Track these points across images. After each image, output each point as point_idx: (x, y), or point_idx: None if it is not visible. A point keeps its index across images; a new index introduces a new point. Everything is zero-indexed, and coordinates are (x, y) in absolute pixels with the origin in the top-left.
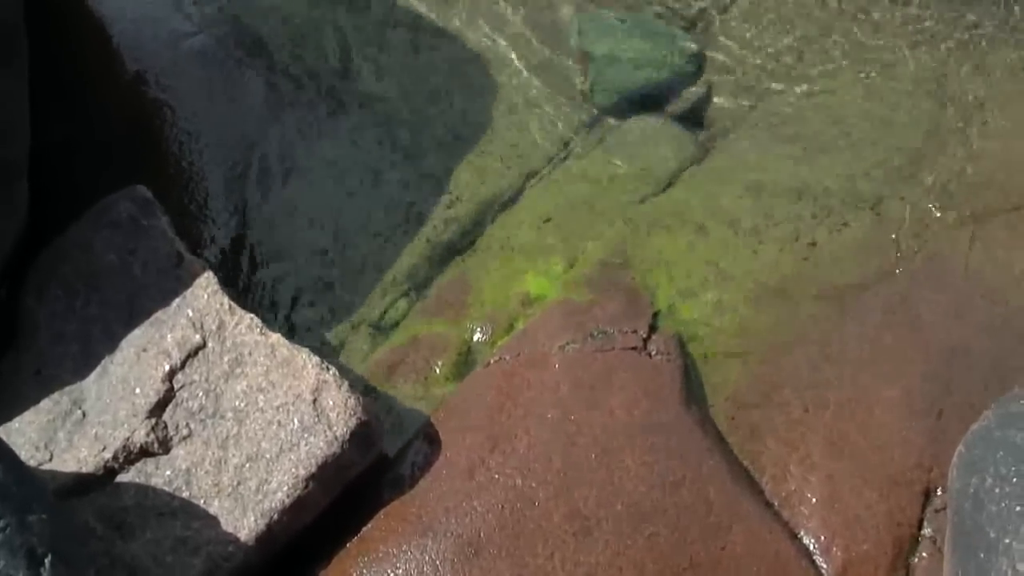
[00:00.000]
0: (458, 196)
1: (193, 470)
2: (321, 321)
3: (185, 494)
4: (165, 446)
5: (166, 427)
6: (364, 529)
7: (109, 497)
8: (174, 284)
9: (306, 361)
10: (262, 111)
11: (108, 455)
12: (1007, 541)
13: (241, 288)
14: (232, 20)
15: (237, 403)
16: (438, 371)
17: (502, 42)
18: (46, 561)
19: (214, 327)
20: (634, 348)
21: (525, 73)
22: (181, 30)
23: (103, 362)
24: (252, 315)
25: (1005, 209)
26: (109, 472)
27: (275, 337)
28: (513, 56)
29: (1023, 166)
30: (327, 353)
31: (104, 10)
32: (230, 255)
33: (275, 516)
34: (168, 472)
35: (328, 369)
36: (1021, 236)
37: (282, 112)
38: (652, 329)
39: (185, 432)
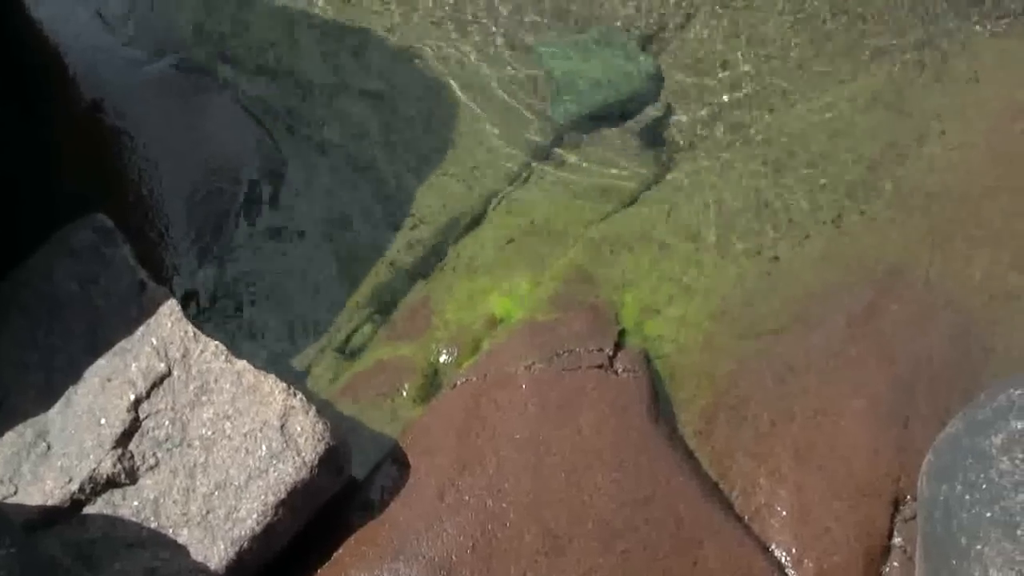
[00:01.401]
0: (421, 218)
1: (161, 500)
2: (287, 347)
3: (153, 524)
4: (132, 476)
5: (132, 457)
6: (335, 554)
7: (76, 529)
8: (137, 313)
9: (273, 387)
10: (223, 137)
11: (74, 487)
12: (979, 547)
13: (205, 315)
14: (191, 46)
15: (204, 431)
16: (405, 394)
17: (464, 62)
18: None
19: (179, 355)
20: (600, 366)
21: (487, 93)
22: (138, 57)
23: (67, 393)
24: (217, 342)
25: (963, 219)
26: (75, 504)
27: (241, 364)
28: (475, 76)
29: (980, 176)
30: (294, 379)
31: (59, 38)
32: (193, 282)
33: (245, 544)
34: (135, 502)
35: (295, 395)
36: (980, 245)
37: (243, 137)
38: (618, 347)
39: (152, 462)
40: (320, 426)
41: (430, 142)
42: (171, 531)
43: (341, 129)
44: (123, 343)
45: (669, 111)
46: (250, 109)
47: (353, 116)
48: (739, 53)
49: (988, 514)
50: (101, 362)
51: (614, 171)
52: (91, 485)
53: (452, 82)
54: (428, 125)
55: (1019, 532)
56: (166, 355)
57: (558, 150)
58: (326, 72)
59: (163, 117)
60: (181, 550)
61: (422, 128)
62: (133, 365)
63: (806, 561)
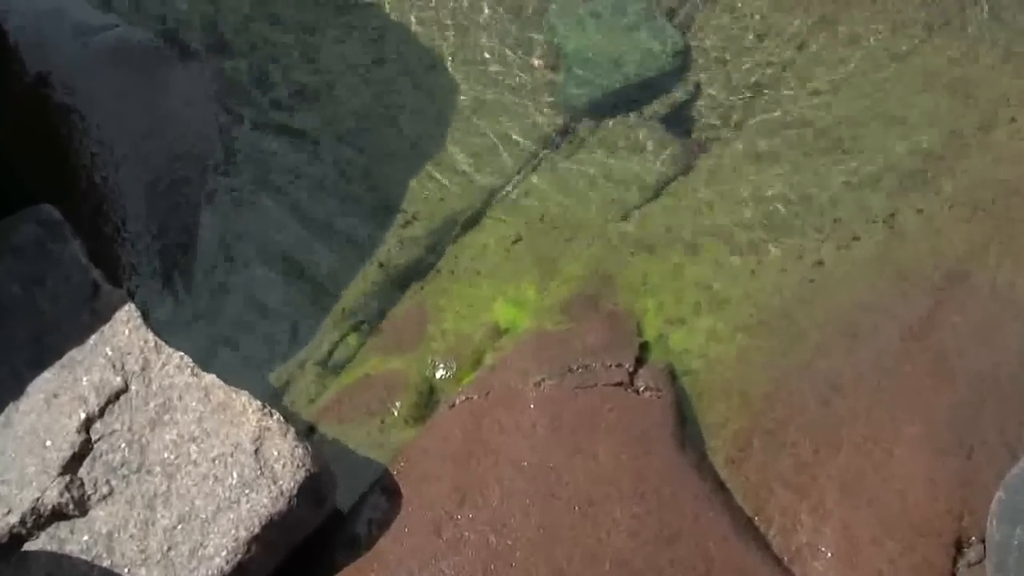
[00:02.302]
0: (414, 214)
1: (115, 534)
2: (262, 359)
3: (106, 562)
4: (82, 507)
5: (83, 485)
6: None
7: (16, 569)
8: (89, 319)
9: (246, 405)
10: (188, 116)
11: (14, 519)
12: None
13: (167, 322)
14: (153, 12)
15: (166, 455)
16: (396, 413)
17: (464, 35)
18: None
19: (137, 368)
20: (619, 384)
21: (489, 72)
22: (91, 23)
23: (7, 410)
24: (181, 353)
25: None
26: (16, 539)
27: (209, 378)
28: (476, 51)
29: None
30: (270, 396)
31: None
32: (154, 284)
33: None
34: (86, 537)
35: (271, 414)
36: None
37: (213, 118)
38: (639, 362)
39: (105, 490)
40: (299, 450)
41: (425, 127)
42: (127, 570)
43: (325, 111)
44: (73, 354)
45: (698, 93)
46: (224, 85)
47: (339, 97)
48: (779, 27)
49: None
50: (47, 375)
51: (635, 161)
52: (34, 517)
53: (450, 58)
54: (423, 108)
55: None
56: (123, 368)
57: (571, 137)
58: (308, 47)
59: (119, 93)
60: None
61: (416, 111)
62: (84, 379)
63: None
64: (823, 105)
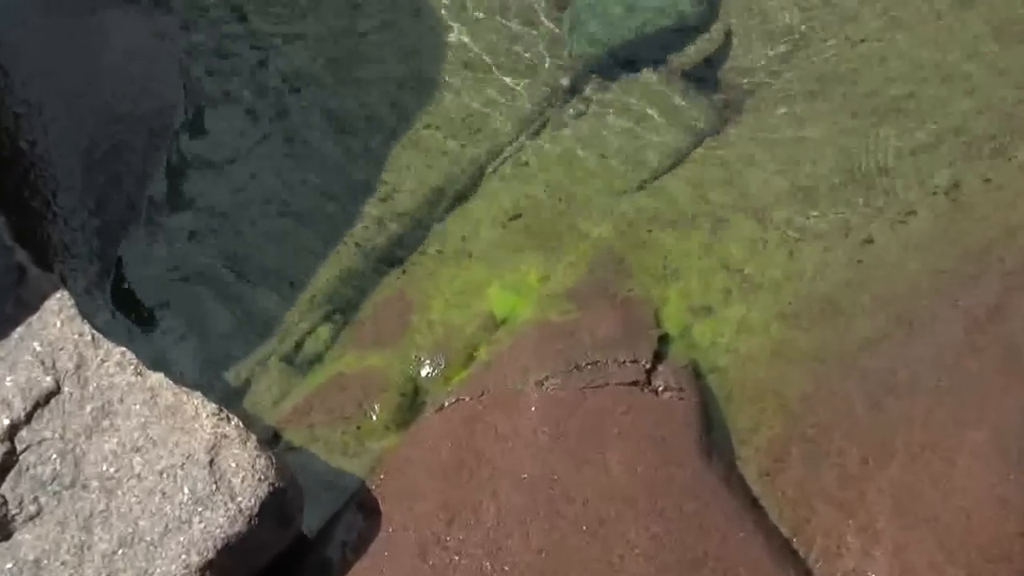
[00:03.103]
0: (396, 186)
1: (44, 561)
2: (218, 355)
3: None
4: (5, 529)
5: (6, 503)
6: None
7: None
8: (14, 308)
9: (199, 409)
10: (130, 71)
11: None
12: None
13: (107, 312)
14: None
15: (105, 468)
16: (375, 418)
17: None
18: None
19: (71, 365)
20: (635, 383)
21: (482, 21)
22: None
23: None
24: (123, 349)
25: None
26: None
27: (155, 377)
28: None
29: None
30: (227, 398)
31: None
32: (91, 267)
33: None
34: (9, 565)
35: (229, 419)
36: None
37: (162, 73)
38: (658, 357)
39: (33, 509)
40: (261, 461)
41: (409, 84)
42: None
43: (291, 64)
44: None
45: (726, 44)
46: (174, 33)
47: (308, 48)
48: None
49: None
50: None
51: (652, 124)
52: None
53: (439, 6)
54: (406, 61)
55: None
56: (54, 365)
57: (579, 96)
58: None
59: (49, 43)
60: None
61: (398, 65)
62: (8, 379)
63: None
64: (873, 57)
